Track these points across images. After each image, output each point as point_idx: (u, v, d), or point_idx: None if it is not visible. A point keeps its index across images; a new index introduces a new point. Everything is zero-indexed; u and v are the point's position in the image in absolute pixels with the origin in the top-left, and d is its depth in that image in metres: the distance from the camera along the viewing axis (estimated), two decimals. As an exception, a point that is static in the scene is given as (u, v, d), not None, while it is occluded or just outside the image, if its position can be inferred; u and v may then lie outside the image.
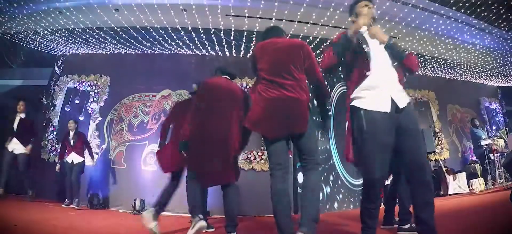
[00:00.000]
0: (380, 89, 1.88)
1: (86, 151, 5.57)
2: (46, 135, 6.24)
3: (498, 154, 6.32)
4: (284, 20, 5.37)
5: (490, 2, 5.07)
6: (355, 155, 1.97)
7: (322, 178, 6.11)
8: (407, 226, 2.71)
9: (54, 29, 5.78)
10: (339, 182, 6.27)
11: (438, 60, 7.20)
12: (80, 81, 6.51)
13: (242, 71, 6.46)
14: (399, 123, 1.85)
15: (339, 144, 6.46)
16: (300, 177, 4.92)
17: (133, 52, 6.67)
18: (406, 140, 1.84)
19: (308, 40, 5.94)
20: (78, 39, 6.13)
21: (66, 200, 5.25)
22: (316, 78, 2.31)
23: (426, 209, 1.78)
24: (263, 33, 2.55)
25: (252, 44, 6.04)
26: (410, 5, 5.18)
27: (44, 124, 6.37)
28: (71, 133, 5.45)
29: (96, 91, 6.42)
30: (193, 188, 2.82)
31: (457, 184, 6.24)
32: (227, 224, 2.81)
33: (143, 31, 5.72)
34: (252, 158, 5.85)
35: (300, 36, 5.83)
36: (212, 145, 2.71)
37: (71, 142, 5.42)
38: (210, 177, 2.77)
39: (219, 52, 6.49)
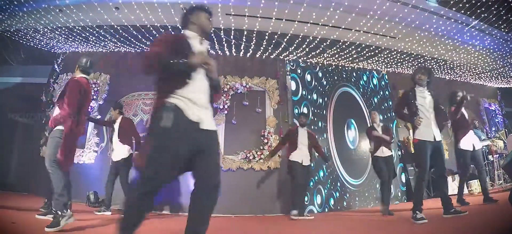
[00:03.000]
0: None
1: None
2: (45, 133, 6.22)
3: (497, 155, 6.33)
4: (284, 20, 5.38)
5: (490, 3, 5.08)
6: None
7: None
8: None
9: (54, 27, 5.78)
10: (338, 183, 6.27)
11: (438, 61, 7.20)
12: (80, 79, 6.50)
13: (241, 70, 6.48)
14: (199, 141, 1.69)
15: (338, 144, 6.47)
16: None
17: (133, 51, 6.67)
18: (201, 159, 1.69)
19: (307, 40, 5.95)
20: (78, 37, 6.13)
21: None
22: None
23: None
24: None
25: (252, 43, 6.04)
26: (410, 6, 5.19)
27: (43, 122, 6.37)
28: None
29: (95, 89, 6.42)
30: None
31: (455, 185, 6.23)
32: None
33: (143, 30, 5.72)
34: (251, 157, 5.83)
35: (300, 36, 5.83)
36: None
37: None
38: None
39: (219, 51, 6.49)
